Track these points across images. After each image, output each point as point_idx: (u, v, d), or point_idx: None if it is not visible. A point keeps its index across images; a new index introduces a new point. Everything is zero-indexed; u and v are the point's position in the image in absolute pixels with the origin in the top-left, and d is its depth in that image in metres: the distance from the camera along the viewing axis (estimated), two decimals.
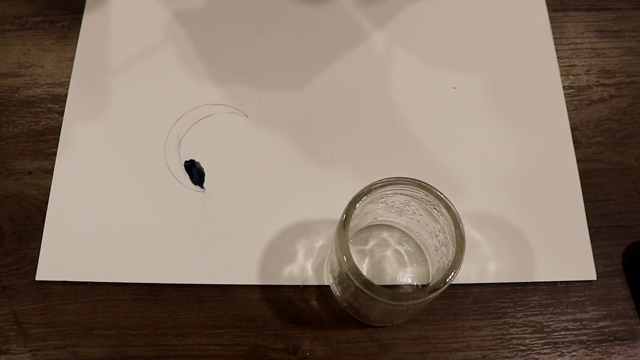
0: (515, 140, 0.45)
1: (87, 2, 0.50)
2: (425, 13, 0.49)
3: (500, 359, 0.39)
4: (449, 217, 0.33)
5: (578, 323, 0.40)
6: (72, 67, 0.47)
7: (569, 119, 0.46)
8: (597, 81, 0.48)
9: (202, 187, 0.43)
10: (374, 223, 0.41)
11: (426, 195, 0.34)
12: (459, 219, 0.33)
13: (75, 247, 0.41)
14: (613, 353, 0.39)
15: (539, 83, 0.47)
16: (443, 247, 0.36)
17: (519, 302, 0.40)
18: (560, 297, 0.41)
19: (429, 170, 0.44)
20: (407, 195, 0.35)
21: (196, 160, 0.43)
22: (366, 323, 0.39)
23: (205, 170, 0.43)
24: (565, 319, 0.40)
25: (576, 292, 0.41)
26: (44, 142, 0.45)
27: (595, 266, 0.41)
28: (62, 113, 0.45)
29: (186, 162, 0.43)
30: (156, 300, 0.40)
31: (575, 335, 0.40)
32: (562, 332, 0.40)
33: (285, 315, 0.40)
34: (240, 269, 0.40)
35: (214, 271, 0.40)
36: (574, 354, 0.39)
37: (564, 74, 0.48)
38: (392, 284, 0.40)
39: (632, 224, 0.43)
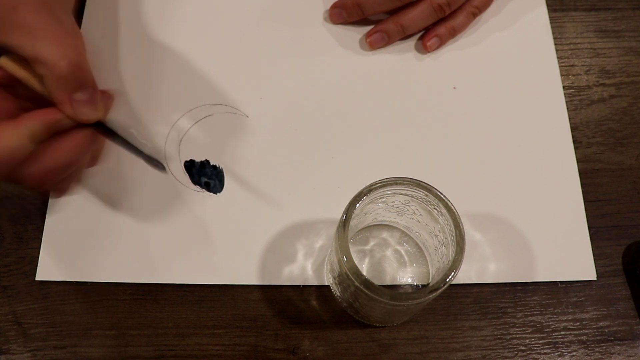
0: (516, 140, 0.45)
1: (87, 1, 0.50)
2: None
3: (500, 359, 0.39)
4: (449, 217, 0.33)
5: (578, 323, 0.40)
6: None
7: (569, 119, 0.46)
8: (597, 81, 0.48)
9: (202, 187, 0.43)
10: (374, 223, 0.41)
11: (426, 195, 0.34)
12: (459, 219, 0.33)
13: (75, 247, 0.41)
14: (613, 353, 0.39)
15: (539, 83, 0.47)
16: (443, 247, 0.36)
17: (519, 302, 0.40)
18: (560, 297, 0.41)
19: (429, 170, 0.44)
20: (407, 195, 0.35)
21: (196, 160, 0.43)
22: (366, 323, 0.39)
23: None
24: (565, 319, 0.40)
25: (576, 292, 0.41)
26: None
27: (595, 266, 0.41)
28: None
29: (186, 162, 0.43)
30: (156, 300, 0.40)
31: (575, 335, 0.40)
32: (562, 332, 0.40)
33: (285, 315, 0.40)
34: (240, 269, 0.40)
35: (214, 271, 0.40)
36: (574, 354, 0.39)
37: (564, 74, 0.48)
38: (392, 284, 0.40)
39: (632, 224, 0.43)
